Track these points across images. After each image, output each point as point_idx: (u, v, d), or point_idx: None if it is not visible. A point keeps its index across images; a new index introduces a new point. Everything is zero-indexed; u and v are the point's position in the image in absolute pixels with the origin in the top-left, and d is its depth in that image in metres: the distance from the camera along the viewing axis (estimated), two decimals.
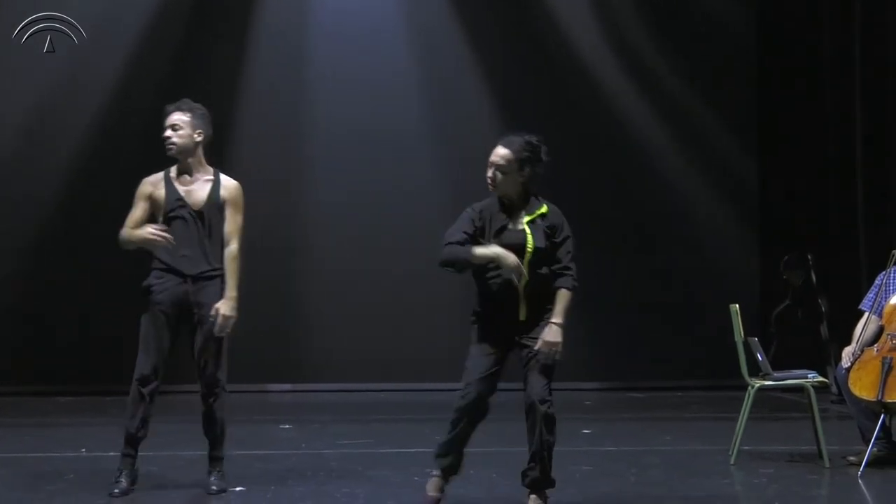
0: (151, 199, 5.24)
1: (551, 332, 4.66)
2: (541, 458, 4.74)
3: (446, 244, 4.68)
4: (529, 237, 4.68)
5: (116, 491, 5.21)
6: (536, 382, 4.68)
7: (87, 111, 9.75)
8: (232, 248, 5.24)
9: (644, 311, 10.00)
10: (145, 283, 5.25)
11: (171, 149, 5.25)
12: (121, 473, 5.27)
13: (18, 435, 7.27)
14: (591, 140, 10.14)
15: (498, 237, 4.69)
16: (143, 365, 5.22)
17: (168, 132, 5.24)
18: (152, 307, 5.22)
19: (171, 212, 5.21)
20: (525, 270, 4.62)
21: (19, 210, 9.72)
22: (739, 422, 6.16)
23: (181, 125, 5.23)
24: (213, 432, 5.36)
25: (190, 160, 5.26)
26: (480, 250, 4.63)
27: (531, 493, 4.83)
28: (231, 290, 5.17)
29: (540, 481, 4.81)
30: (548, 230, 4.74)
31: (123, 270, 10.23)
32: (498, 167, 4.74)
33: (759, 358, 6.19)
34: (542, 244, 4.70)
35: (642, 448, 6.69)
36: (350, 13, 10.16)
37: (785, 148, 10.15)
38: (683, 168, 10.22)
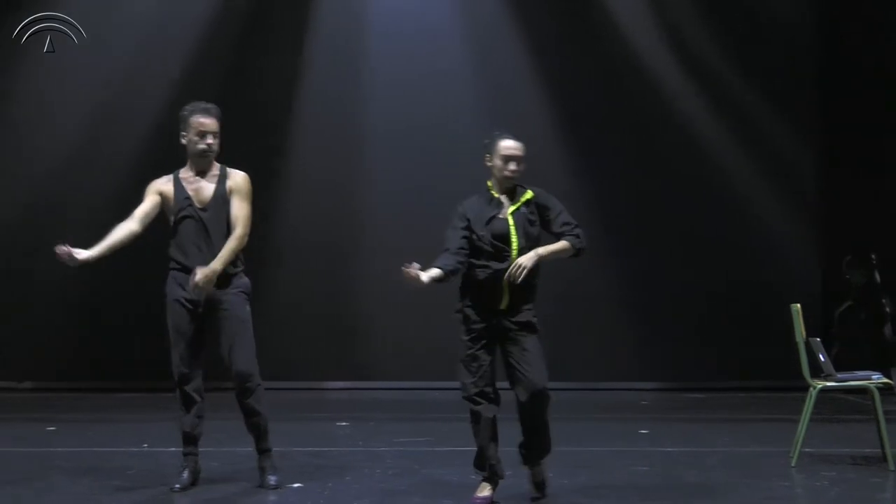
0: (162, 196, 5.34)
1: (525, 256, 4.86)
2: (540, 432, 5.02)
3: (444, 250, 4.97)
4: (512, 228, 4.94)
5: (178, 486, 5.32)
6: (534, 370, 4.87)
7: (144, 112, 9.87)
8: (237, 231, 5.26)
9: (703, 311, 9.90)
10: (166, 287, 5.34)
11: (209, 155, 5.33)
12: (184, 469, 5.37)
13: (80, 430, 7.40)
14: (649, 138, 10.05)
15: (489, 226, 4.94)
16: (177, 364, 5.31)
17: (210, 139, 5.30)
18: (172, 306, 5.30)
19: (181, 211, 5.30)
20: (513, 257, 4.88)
21: (77, 207, 9.87)
22: (801, 423, 6.07)
23: (217, 132, 5.32)
24: (257, 428, 5.37)
25: (209, 164, 5.37)
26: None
27: (534, 466, 5.09)
28: (216, 263, 5.16)
29: (544, 451, 5.08)
30: (531, 216, 4.99)
31: None
32: (520, 160, 5.01)
33: (822, 359, 6.09)
34: (523, 235, 4.93)
35: (701, 449, 6.62)
36: (405, 14, 10.17)
37: (847, 144, 9.98)
38: (744, 165, 10.09)
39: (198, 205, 5.28)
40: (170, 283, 5.36)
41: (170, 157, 9.79)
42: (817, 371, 6.13)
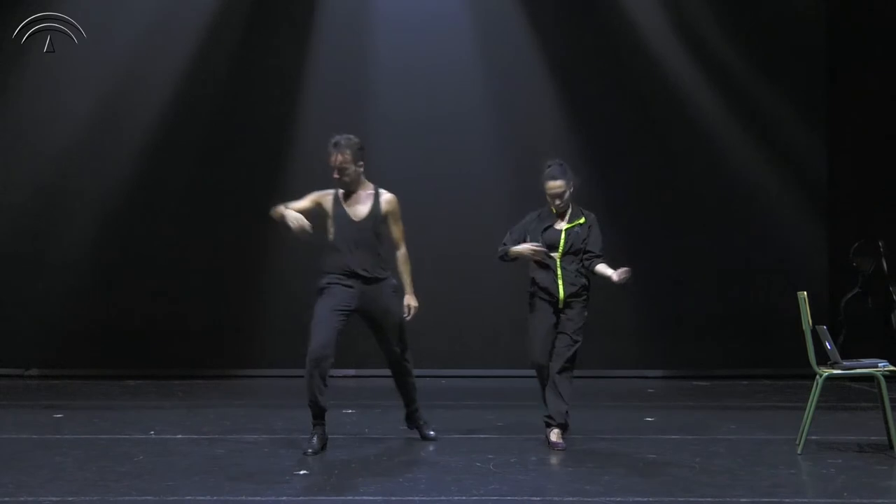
0: (320, 206, 6.07)
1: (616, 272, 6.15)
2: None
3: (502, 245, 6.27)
4: (562, 239, 6.16)
5: (309, 451, 5.89)
6: (564, 352, 6.12)
7: (148, 103, 9.85)
8: (402, 251, 6.19)
9: (709, 298, 9.88)
10: (320, 284, 6.06)
11: (341, 183, 6.05)
12: (313, 437, 5.98)
13: (88, 417, 7.42)
14: (656, 127, 10.01)
15: (543, 234, 6.17)
16: (318, 346, 5.99)
17: (336, 174, 6.00)
18: (327, 299, 6.03)
19: (338, 225, 6.03)
20: (559, 261, 6.14)
21: (87, 196, 9.89)
22: (807, 411, 6.06)
23: (346, 164, 5.99)
24: (409, 394, 6.34)
25: (354, 185, 6.07)
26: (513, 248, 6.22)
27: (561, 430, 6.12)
28: (409, 287, 6.17)
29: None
30: (582, 234, 6.22)
31: (192, 257, 10.48)
32: (558, 196, 6.16)
33: (828, 346, 6.08)
34: (570, 246, 6.14)
35: (707, 437, 6.62)
36: (412, 5, 10.12)
37: (855, 131, 9.94)
38: (751, 153, 10.04)
39: (354, 219, 6.02)
40: (331, 282, 6.03)
41: (177, 148, 9.91)
42: (824, 359, 6.11)
